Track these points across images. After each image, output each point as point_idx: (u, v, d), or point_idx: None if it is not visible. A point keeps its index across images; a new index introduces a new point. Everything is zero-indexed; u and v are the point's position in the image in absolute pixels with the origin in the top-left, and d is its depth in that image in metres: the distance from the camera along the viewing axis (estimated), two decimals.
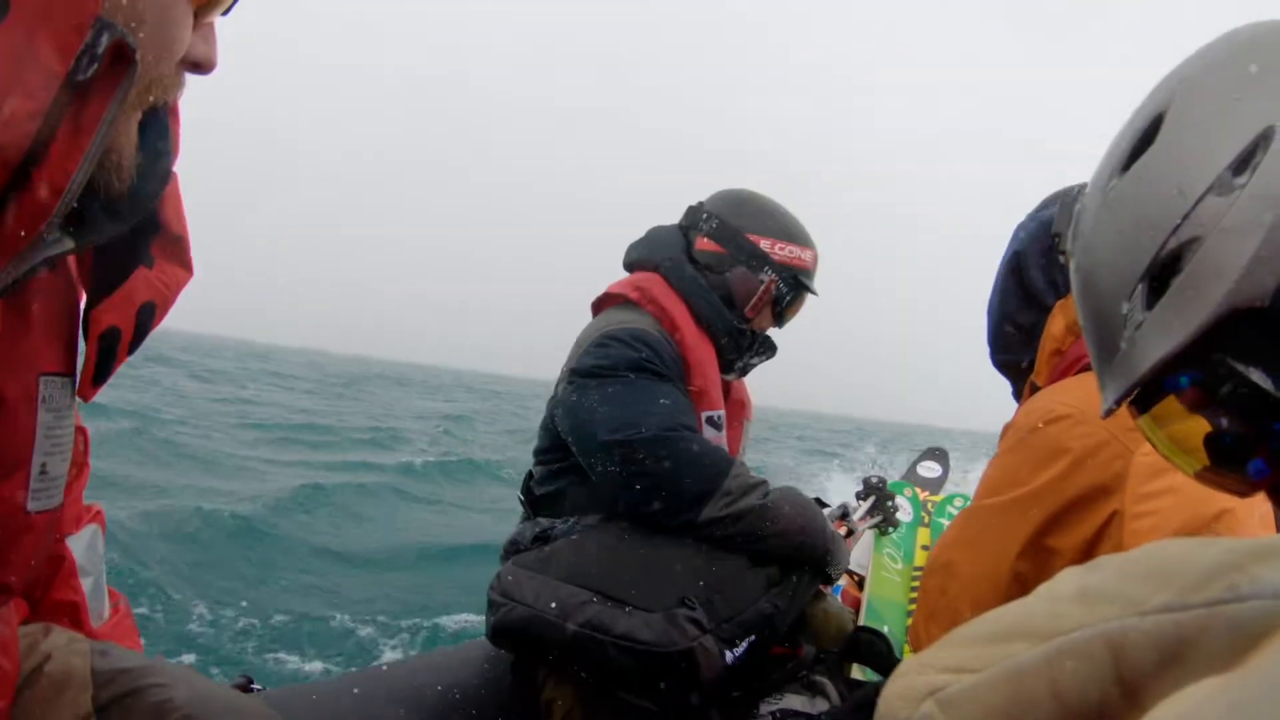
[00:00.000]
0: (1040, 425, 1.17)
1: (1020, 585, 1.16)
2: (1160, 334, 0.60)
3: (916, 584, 2.53)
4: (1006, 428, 1.27)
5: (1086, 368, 1.24)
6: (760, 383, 1.96)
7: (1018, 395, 1.47)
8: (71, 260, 0.88)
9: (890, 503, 2.28)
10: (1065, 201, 1.35)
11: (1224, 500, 1.10)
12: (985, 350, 1.47)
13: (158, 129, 0.82)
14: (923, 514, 2.79)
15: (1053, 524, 1.14)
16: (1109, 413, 0.70)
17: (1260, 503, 1.17)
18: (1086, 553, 1.12)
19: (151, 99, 0.74)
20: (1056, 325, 1.30)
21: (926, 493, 2.97)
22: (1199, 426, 0.62)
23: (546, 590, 1.34)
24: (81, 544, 1.13)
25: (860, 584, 2.40)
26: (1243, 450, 0.59)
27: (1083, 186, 1.39)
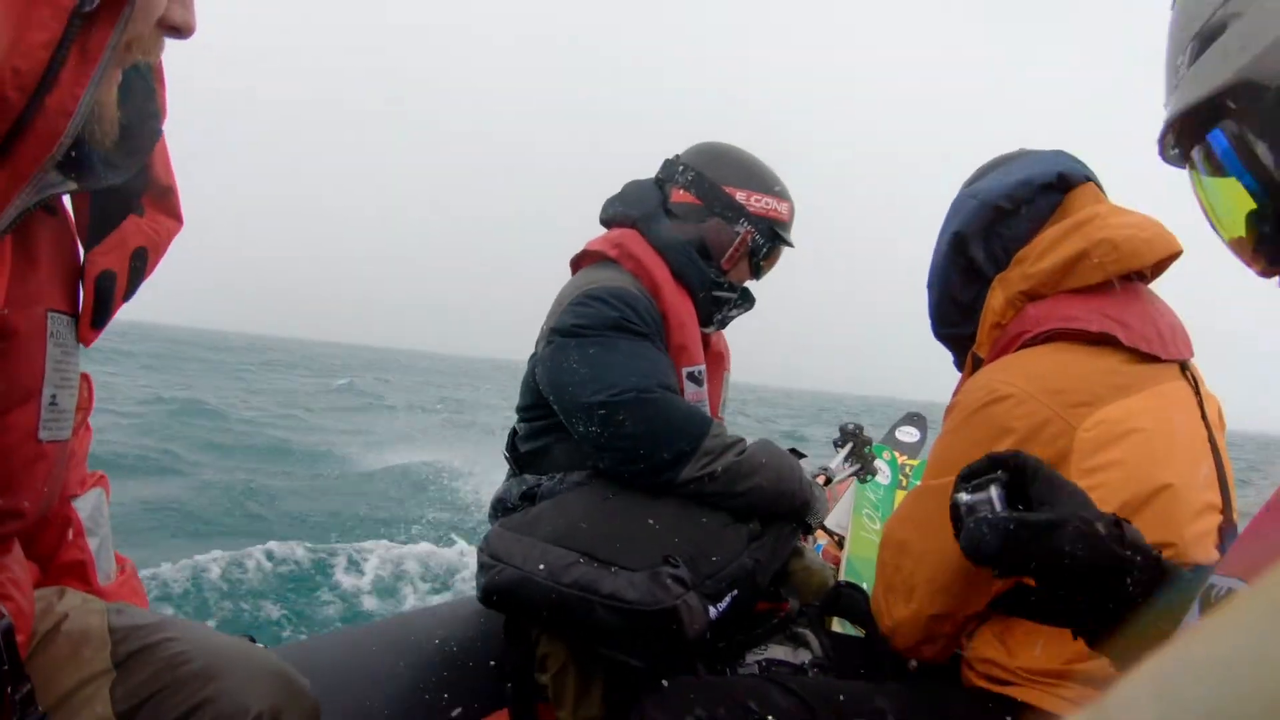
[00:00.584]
0: (983, 405, 1.18)
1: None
2: (1189, 88, 0.68)
3: None
4: (950, 407, 1.29)
5: (1027, 343, 1.26)
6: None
7: (959, 365, 1.48)
8: (69, 213, 0.93)
9: (868, 449, 2.32)
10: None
11: (1166, 474, 1.14)
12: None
13: (144, 90, 0.88)
14: (900, 477, 2.86)
15: None
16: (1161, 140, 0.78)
17: (1201, 464, 1.21)
18: None
19: (133, 57, 0.79)
20: (996, 299, 1.31)
21: (905, 456, 3.04)
22: (1243, 200, 0.68)
23: (534, 552, 1.36)
24: (87, 506, 1.18)
25: (840, 543, 2.46)
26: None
27: (1021, 151, 1.41)
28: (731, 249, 1.75)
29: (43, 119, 0.70)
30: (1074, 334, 1.21)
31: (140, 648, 1.02)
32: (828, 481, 2.20)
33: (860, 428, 2.39)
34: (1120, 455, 1.13)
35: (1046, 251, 1.26)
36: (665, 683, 1.24)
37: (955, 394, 1.45)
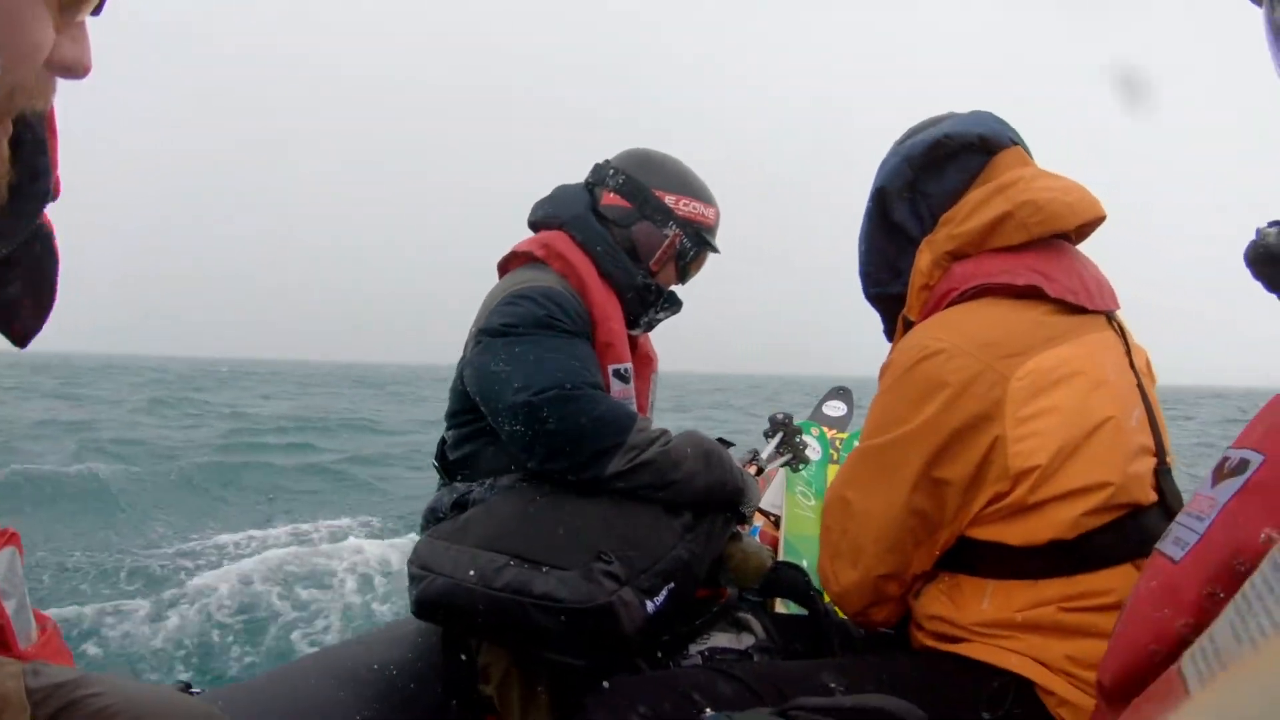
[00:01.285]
0: (917, 362, 1.20)
1: (919, 518, 1.21)
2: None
3: None
4: (884, 367, 1.31)
5: (955, 301, 1.29)
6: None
7: (889, 332, 1.50)
8: None
9: (799, 438, 2.35)
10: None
11: (1103, 410, 1.17)
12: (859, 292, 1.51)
13: (33, 144, 0.78)
14: (831, 451, 2.90)
15: (939, 457, 1.17)
16: None
17: (1133, 409, 1.23)
18: (975, 480, 1.17)
19: (17, 107, 0.69)
20: (924, 260, 1.34)
21: (834, 430, 3.08)
22: None
23: (464, 558, 1.35)
24: (0, 566, 1.11)
25: (776, 523, 2.49)
26: None
27: (949, 113, 1.43)
28: (660, 251, 1.77)
29: None
30: (1001, 288, 1.24)
31: (63, 706, 0.96)
32: (759, 471, 2.23)
33: (789, 417, 2.42)
34: (1055, 401, 1.15)
35: (971, 213, 1.29)
36: (606, 683, 1.23)
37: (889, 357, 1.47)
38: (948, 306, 1.29)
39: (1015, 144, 1.36)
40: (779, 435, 2.33)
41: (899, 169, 1.37)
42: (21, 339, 0.96)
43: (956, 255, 1.31)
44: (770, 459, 2.24)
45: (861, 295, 1.50)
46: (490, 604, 1.29)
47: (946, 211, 1.33)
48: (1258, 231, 1.58)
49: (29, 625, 1.13)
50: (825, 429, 2.99)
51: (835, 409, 3.41)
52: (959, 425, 1.16)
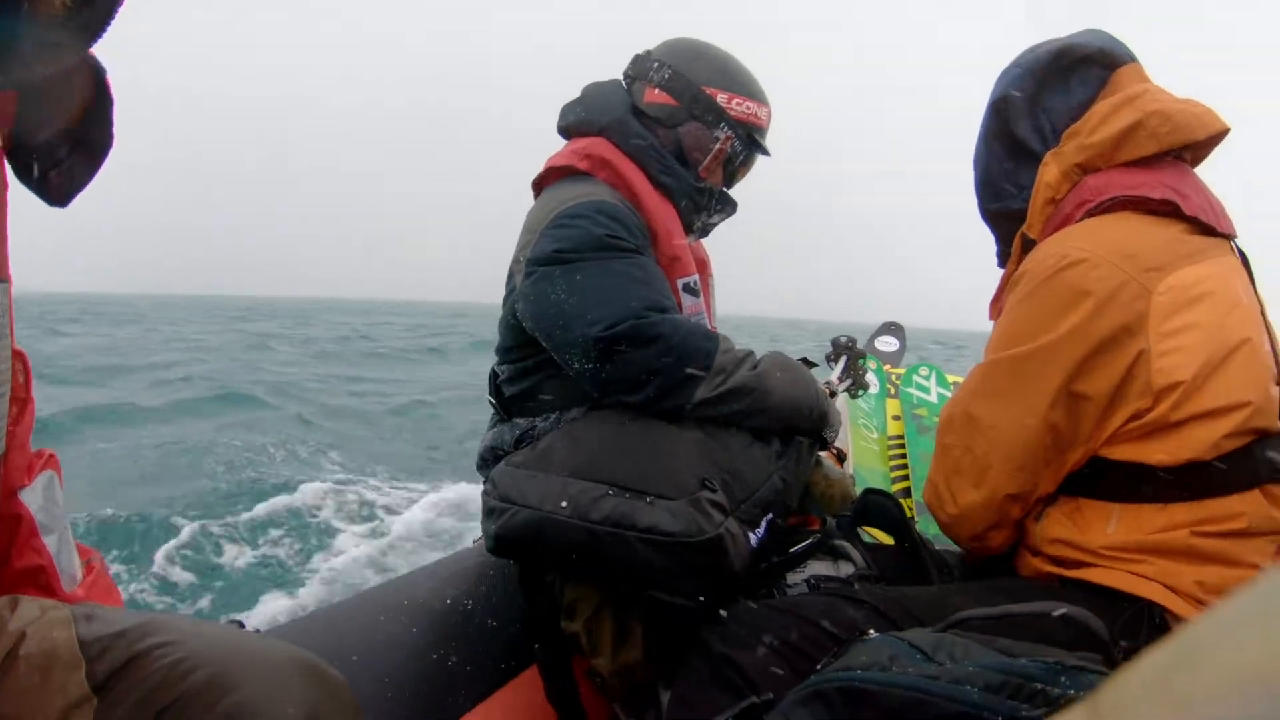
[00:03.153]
0: (1058, 270, 1.16)
1: (1054, 435, 1.16)
2: None
3: (893, 452, 2.55)
4: (1017, 277, 1.24)
5: (1087, 215, 1.24)
6: None
7: (1003, 256, 1.45)
8: None
9: (861, 361, 2.24)
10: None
11: (1242, 329, 1.13)
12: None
13: None
14: (889, 386, 2.80)
15: (1082, 369, 1.13)
16: None
17: (1263, 334, 1.20)
18: (1116, 395, 1.12)
19: None
20: (1051, 173, 1.29)
21: (889, 365, 2.98)
22: None
23: (553, 488, 1.22)
24: (38, 496, 0.96)
25: (841, 457, 2.39)
26: None
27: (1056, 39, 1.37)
28: (710, 155, 1.61)
29: None
30: (1137, 202, 1.19)
31: (125, 661, 0.78)
32: (831, 395, 2.11)
33: (853, 340, 2.30)
34: (1196, 318, 1.11)
35: (1101, 123, 1.25)
36: (723, 613, 1.14)
37: (1005, 276, 1.39)
38: (1080, 220, 1.24)
39: (1134, 60, 1.32)
40: (843, 359, 2.21)
41: (1021, 79, 1.34)
42: (64, 194, 0.83)
43: (1086, 168, 1.27)
44: (838, 384, 2.13)
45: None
46: (588, 538, 1.17)
47: (1069, 126, 1.29)
48: None
49: (73, 563, 0.99)
50: (882, 363, 2.89)
51: (888, 344, 3.30)
52: (1103, 337, 1.11)
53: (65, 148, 0.82)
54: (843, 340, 2.28)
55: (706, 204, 1.64)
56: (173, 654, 0.79)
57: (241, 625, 1.14)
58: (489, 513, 1.28)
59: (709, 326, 1.64)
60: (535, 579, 1.44)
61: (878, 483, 2.39)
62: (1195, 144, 1.25)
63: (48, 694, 0.75)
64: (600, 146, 1.53)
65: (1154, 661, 0.22)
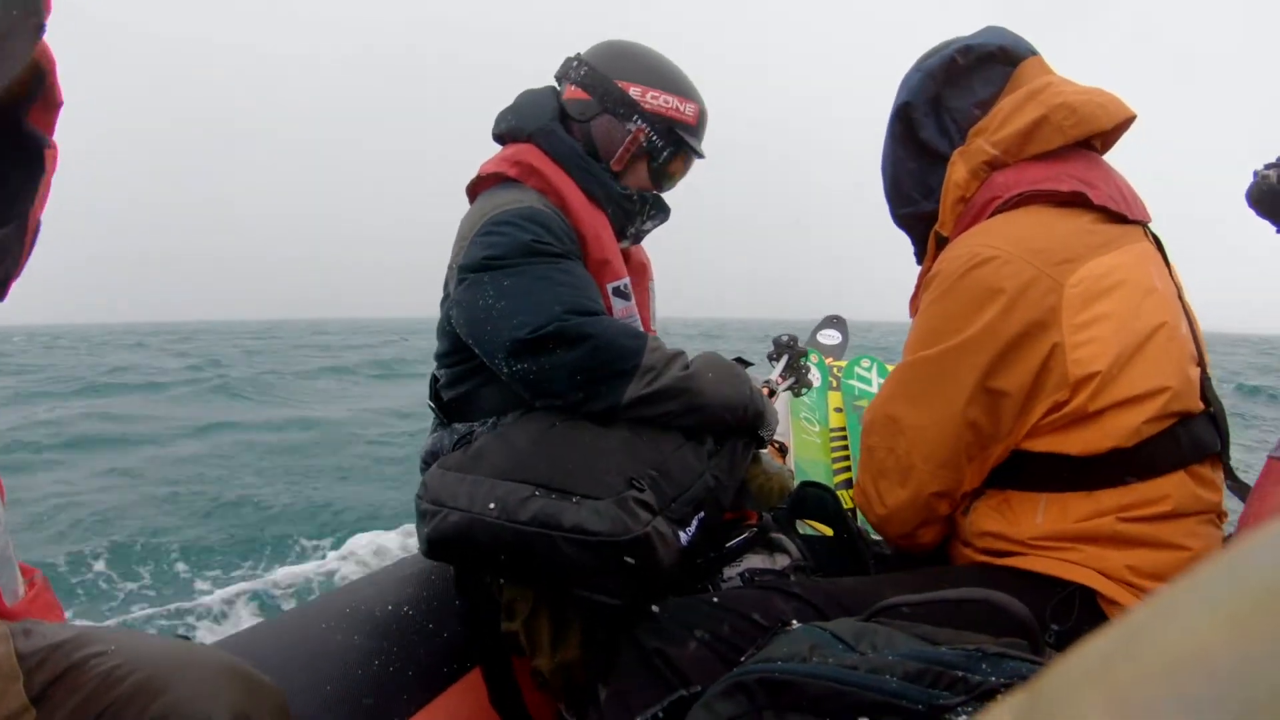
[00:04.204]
0: (968, 269, 1.17)
1: (974, 432, 1.18)
2: None
3: (835, 444, 2.59)
4: (930, 278, 1.26)
5: (997, 210, 1.25)
6: None
7: (919, 255, 1.47)
8: None
9: (803, 360, 2.26)
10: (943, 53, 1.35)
11: (1156, 315, 1.15)
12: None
13: None
14: (830, 379, 2.84)
15: (997, 366, 1.14)
16: None
17: (1180, 317, 1.21)
18: (1033, 389, 1.14)
19: None
20: (958, 172, 1.30)
21: (831, 358, 3.02)
22: None
23: (481, 490, 1.22)
24: None
25: (783, 450, 2.43)
26: None
27: (957, 37, 1.40)
28: (621, 148, 1.60)
29: None
30: (1045, 195, 1.21)
31: (62, 671, 0.82)
32: (770, 394, 2.13)
33: (794, 339, 2.32)
34: (1109, 308, 1.13)
35: (1006, 120, 1.26)
36: (655, 608, 1.15)
37: (921, 274, 1.41)
38: (990, 216, 1.26)
39: (1035, 54, 1.34)
40: (784, 358, 2.24)
41: (922, 84, 1.35)
42: (4, 283, 0.82)
43: (994, 165, 1.28)
44: (779, 383, 2.16)
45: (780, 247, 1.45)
46: (516, 539, 1.17)
47: (974, 124, 1.31)
48: (1255, 173, 1.56)
49: (15, 580, 1.00)
50: (824, 356, 2.93)
51: (830, 337, 3.35)
52: (1016, 333, 1.13)
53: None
54: (784, 339, 2.30)
55: (638, 210, 1.64)
56: (107, 662, 0.82)
57: (187, 638, 1.14)
58: (421, 515, 1.27)
59: (642, 329, 1.64)
60: (473, 581, 1.44)
61: (820, 475, 2.43)
62: (1103, 132, 1.28)
63: None
64: (528, 153, 1.54)
65: (1094, 648, 0.22)
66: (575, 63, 1.62)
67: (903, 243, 1.52)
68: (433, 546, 1.25)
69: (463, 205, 1.62)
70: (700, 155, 1.70)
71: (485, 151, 1.65)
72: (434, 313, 1.57)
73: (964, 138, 1.32)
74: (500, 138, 1.64)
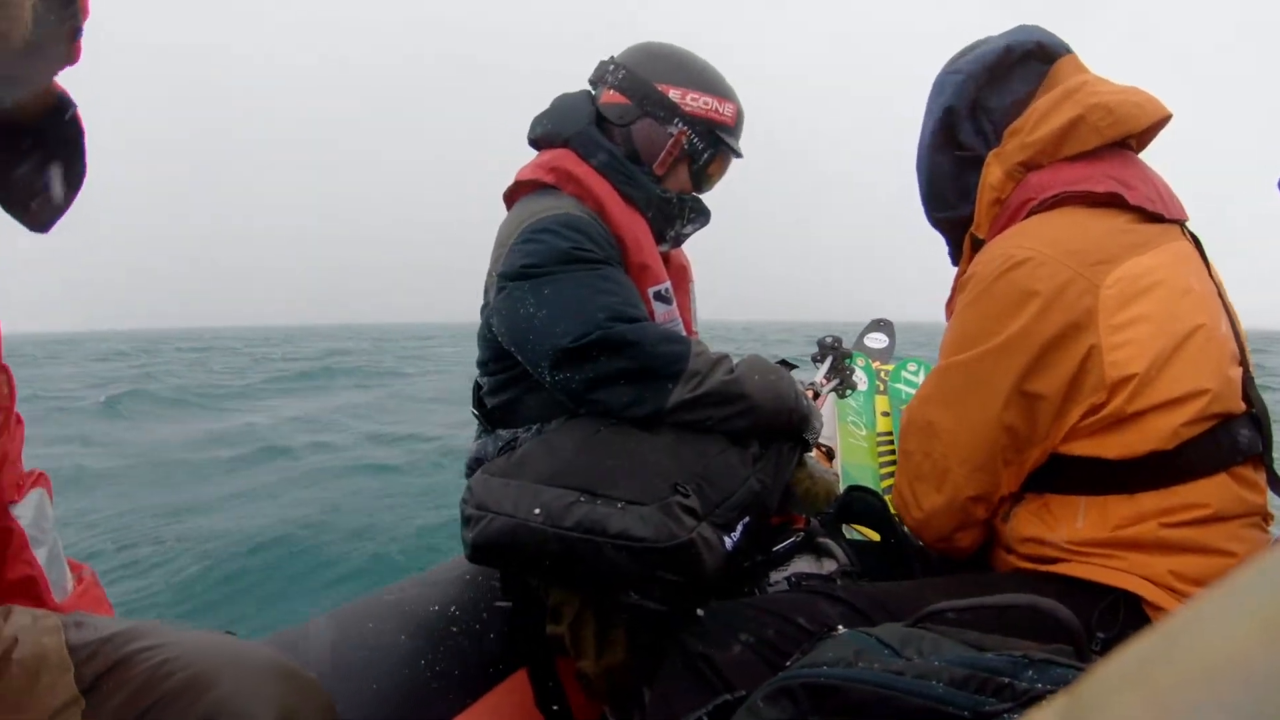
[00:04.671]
0: (1003, 271, 1.16)
1: (1011, 436, 1.16)
2: None
3: (882, 448, 2.56)
4: (964, 280, 1.24)
5: (1033, 211, 1.24)
6: None
7: (954, 256, 1.46)
8: None
9: (847, 361, 2.24)
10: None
11: (1194, 316, 1.13)
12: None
13: None
14: (878, 382, 2.81)
15: (1033, 369, 1.13)
16: None
17: (1220, 316, 1.19)
18: (1070, 392, 1.12)
19: None
20: (994, 174, 1.29)
21: (878, 361, 2.99)
22: None
23: (526, 495, 1.22)
24: (29, 512, 1.00)
25: (830, 454, 2.41)
26: None
27: (986, 38, 1.38)
28: (664, 152, 1.59)
29: None
30: (1080, 196, 1.20)
31: (112, 664, 0.84)
32: (815, 397, 2.12)
33: (839, 340, 2.30)
34: (1146, 309, 1.11)
35: (1041, 120, 1.25)
36: (700, 611, 1.15)
37: (957, 277, 1.40)
38: (1025, 218, 1.25)
39: (1070, 52, 1.32)
40: (829, 359, 2.22)
41: (963, 87, 1.33)
42: (43, 221, 0.86)
43: (1029, 165, 1.27)
44: (823, 385, 2.14)
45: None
46: (561, 544, 1.17)
47: (1010, 124, 1.29)
48: None
49: (64, 576, 1.04)
50: (871, 360, 2.90)
51: (877, 340, 3.31)
52: (1052, 335, 1.11)
53: (42, 179, 0.85)
54: (828, 340, 2.28)
55: (677, 213, 1.64)
56: (156, 656, 0.84)
57: (233, 634, 1.17)
58: (466, 521, 1.28)
59: (684, 333, 1.64)
60: (519, 584, 1.45)
61: (867, 479, 2.40)
62: (1139, 132, 1.26)
63: (38, 696, 0.80)
64: (565, 159, 1.53)
65: (1132, 654, 0.22)
66: (611, 66, 1.61)
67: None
68: (477, 550, 1.26)
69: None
70: (739, 155, 1.69)
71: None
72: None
73: (1000, 138, 1.31)
74: (536, 143, 1.64)
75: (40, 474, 1.06)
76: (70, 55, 0.73)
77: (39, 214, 0.88)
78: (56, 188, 0.87)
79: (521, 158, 1.65)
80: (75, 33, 0.72)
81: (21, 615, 0.89)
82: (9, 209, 0.86)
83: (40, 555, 0.99)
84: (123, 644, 0.86)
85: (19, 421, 1.01)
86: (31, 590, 0.96)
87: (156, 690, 0.82)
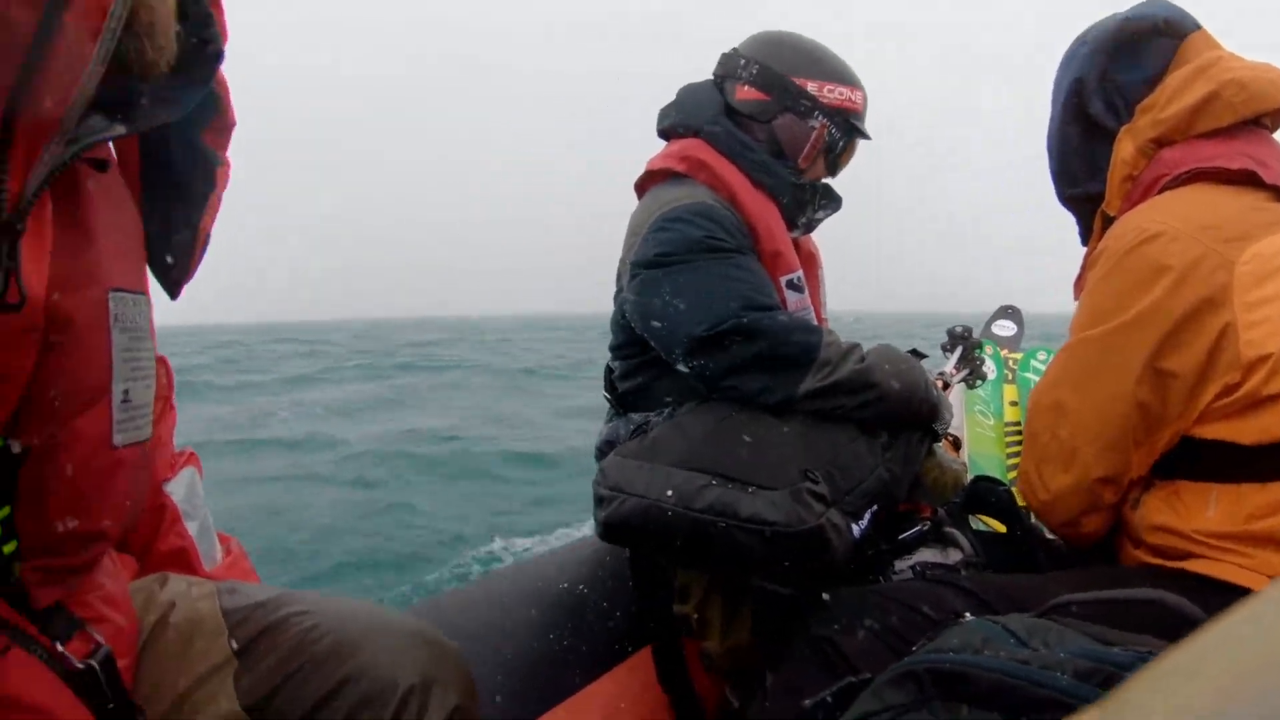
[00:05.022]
0: (1135, 246, 1.13)
1: (1143, 414, 1.13)
2: None
3: (1010, 438, 2.50)
4: (1095, 256, 1.22)
5: (1165, 188, 1.21)
6: None
7: (1084, 235, 1.42)
8: (116, 164, 0.81)
9: (977, 351, 2.19)
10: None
11: None
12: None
13: (200, 17, 0.76)
14: (1006, 371, 2.74)
15: (1166, 345, 1.09)
16: None
17: None
18: (1204, 370, 1.08)
19: None
20: (1126, 149, 1.26)
21: (1006, 350, 2.91)
22: None
23: (659, 478, 1.25)
24: (181, 489, 1.10)
25: (956, 444, 2.37)
26: None
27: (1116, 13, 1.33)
28: (808, 146, 1.60)
29: (62, 37, 0.57)
30: (1214, 173, 1.17)
31: (263, 628, 0.90)
32: (945, 387, 2.09)
33: (969, 330, 2.26)
34: None
35: (1174, 96, 1.22)
36: (826, 595, 1.17)
37: (1087, 255, 1.37)
38: (1157, 194, 1.22)
39: (1200, 27, 1.28)
40: (959, 349, 2.18)
41: (1090, 59, 1.31)
42: (177, 285, 0.93)
43: (1162, 142, 1.24)
44: (953, 375, 2.11)
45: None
46: (691, 526, 1.20)
47: (1142, 100, 1.27)
48: None
49: (213, 547, 1.12)
50: (999, 349, 2.83)
51: (1005, 328, 3.21)
52: (1185, 311, 1.08)
53: (187, 238, 0.93)
54: (958, 330, 2.24)
55: (810, 199, 1.64)
56: (305, 622, 0.90)
57: (380, 602, 1.27)
58: (598, 501, 1.33)
59: (815, 321, 1.65)
60: (647, 563, 1.50)
61: (994, 469, 2.35)
62: (1273, 110, 1.21)
63: (194, 657, 0.87)
64: (697, 148, 1.55)
65: (1161, 665, 0.23)
66: (742, 61, 1.62)
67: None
68: (608, 529, 1.30)
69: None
70: (869, 138, 1.68)
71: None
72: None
73: (1131, 114, 1.27)
74: (665, 133, 1.67)
75: (191, 453, 1.16)
76: (210, 77, 0.80)
77: (177, 278, 0.94)
78: (199, 251, 0.95)
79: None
80: (218, 56, 0.79)
81: (177, 582, 0.95)
82: (156, 269, 0.91)
83: (192, 528, 1.08)
84: (274, 610, 0.92)
85: (171, 408, 1.10)
86: (184, 561, 1.04)
87: (305, 653, 0.87)
